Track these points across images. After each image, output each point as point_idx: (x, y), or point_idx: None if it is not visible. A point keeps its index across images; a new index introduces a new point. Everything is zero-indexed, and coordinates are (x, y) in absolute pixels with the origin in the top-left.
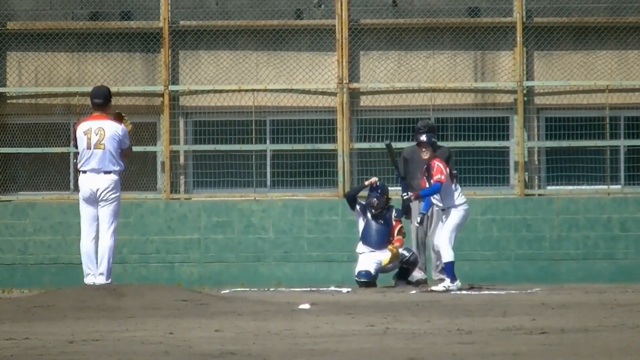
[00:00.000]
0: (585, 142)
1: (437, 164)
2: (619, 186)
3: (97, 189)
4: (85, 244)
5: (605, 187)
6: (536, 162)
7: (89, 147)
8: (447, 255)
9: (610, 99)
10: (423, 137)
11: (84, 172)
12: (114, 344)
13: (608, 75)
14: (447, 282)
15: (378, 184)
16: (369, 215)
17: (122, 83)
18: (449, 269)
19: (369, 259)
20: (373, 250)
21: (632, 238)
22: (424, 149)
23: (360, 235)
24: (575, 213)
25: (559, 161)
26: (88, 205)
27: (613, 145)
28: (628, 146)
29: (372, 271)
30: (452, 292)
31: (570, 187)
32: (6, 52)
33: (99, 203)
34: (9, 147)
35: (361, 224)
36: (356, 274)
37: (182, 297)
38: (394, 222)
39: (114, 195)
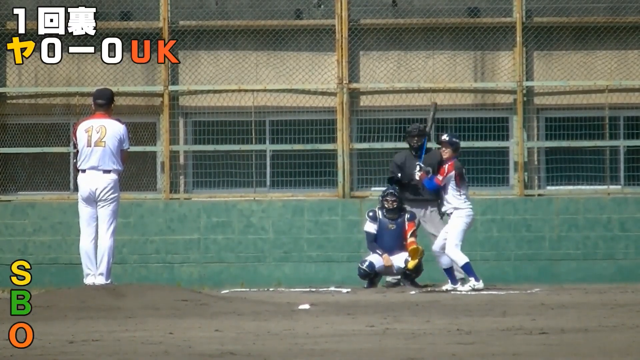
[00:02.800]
0: (585, 142)
1: (445, 167)
2: (618, 186)
3: (96, 189)
4: (85, 245)
5: (605, 187)
6: (536, 162)
7: (89, 145)
8: (461, 260)
9: (609, 99)
10: (445, 137)
11: (83, 170)
12: (114, 344)
13: (608, 75)
14: (472, 281)
15: (392, 189)
16: (381, 218)
17: (122, 83)
18: (468, 271)
19: (379, 257)
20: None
21: (632, 238)
22: (444, 149)
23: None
24: (575, 213)
25: (558, 161)
26: (87, 205)
27: (613, 145)
28: (628, 146)
29: (376, 266)
30: (456, 291)
31: (570, 187)
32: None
33: (98, 203)
34: (9, 147)
35: (373, 228)
36: (360, 262)
37: (182, 297)
38: (407, 225)
39: (112, 196)
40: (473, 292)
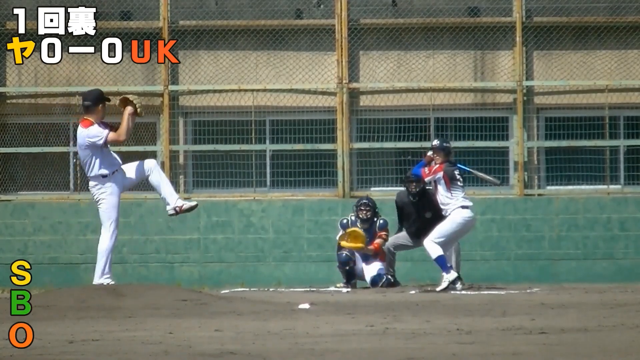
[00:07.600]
0: (585, 142)
1: (436, 168)
2: (618, 186)
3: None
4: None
5: (605, 187)
6: (536, 162)
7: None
8: (435, 252)
9: (609, 98)
10: (436, 142)
11: None
12: (114, 344)
13: (608, 75)
14: (445, 276)
15: (366, 198)
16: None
17: (122, 83)
18: (441, 263)
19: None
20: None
21: (631, 238)
22: (436, 155)
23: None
24: (575, 213)
25: (558, 161)
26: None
27: (613, 145)
28: (628, 146)
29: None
30: (454, 290)
31: (570, 187)
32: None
33: None
34: (9, 147)
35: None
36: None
37: (182, 297)
38: (377, 233)
39: (98, 197)
40: (472, 292)
